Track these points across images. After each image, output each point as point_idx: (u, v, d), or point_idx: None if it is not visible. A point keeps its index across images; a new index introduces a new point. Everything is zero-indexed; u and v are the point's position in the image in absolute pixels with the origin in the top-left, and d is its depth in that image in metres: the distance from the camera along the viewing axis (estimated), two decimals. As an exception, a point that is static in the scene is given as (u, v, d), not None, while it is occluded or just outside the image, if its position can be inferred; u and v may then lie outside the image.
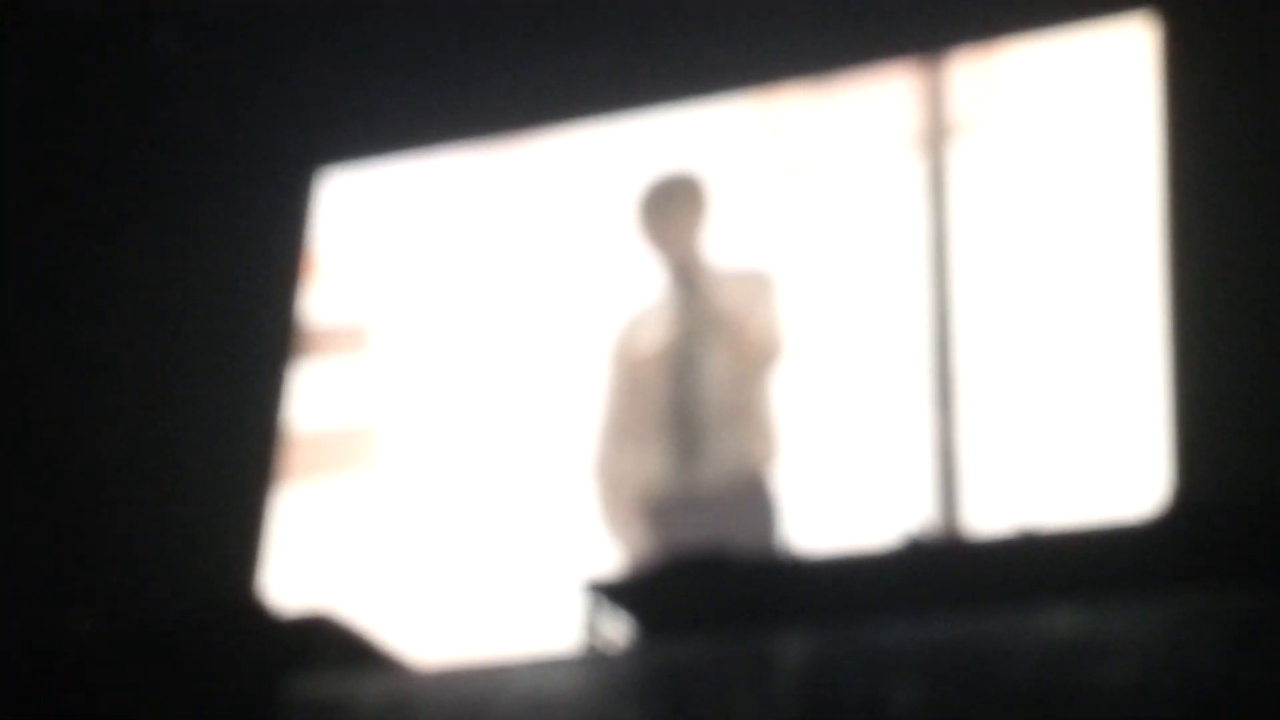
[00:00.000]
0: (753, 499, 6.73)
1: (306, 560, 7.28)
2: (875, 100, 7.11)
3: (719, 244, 7.20)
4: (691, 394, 7.01)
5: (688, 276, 7.20)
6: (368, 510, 7.38)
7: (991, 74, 6.93)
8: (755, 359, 6.97)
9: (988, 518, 5.78)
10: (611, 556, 6.74)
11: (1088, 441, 6.17)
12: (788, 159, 7.22)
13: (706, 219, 7.26)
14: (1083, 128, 6.65)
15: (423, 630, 6.50)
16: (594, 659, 4.67)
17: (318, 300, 7.81)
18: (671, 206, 7.36)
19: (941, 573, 4.57)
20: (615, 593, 5.00)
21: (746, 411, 6.90)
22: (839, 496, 6.56)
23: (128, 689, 5.15)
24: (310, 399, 7.66)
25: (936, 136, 6.95)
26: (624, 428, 7.06)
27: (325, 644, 5.06)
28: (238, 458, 7.58)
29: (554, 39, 7.57)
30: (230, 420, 7.65)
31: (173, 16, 7.55)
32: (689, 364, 7.07)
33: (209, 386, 7.69)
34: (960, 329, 6.63)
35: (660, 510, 6.85)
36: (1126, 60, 6.62)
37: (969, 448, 6.41)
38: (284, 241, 7.87)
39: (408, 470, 7.40)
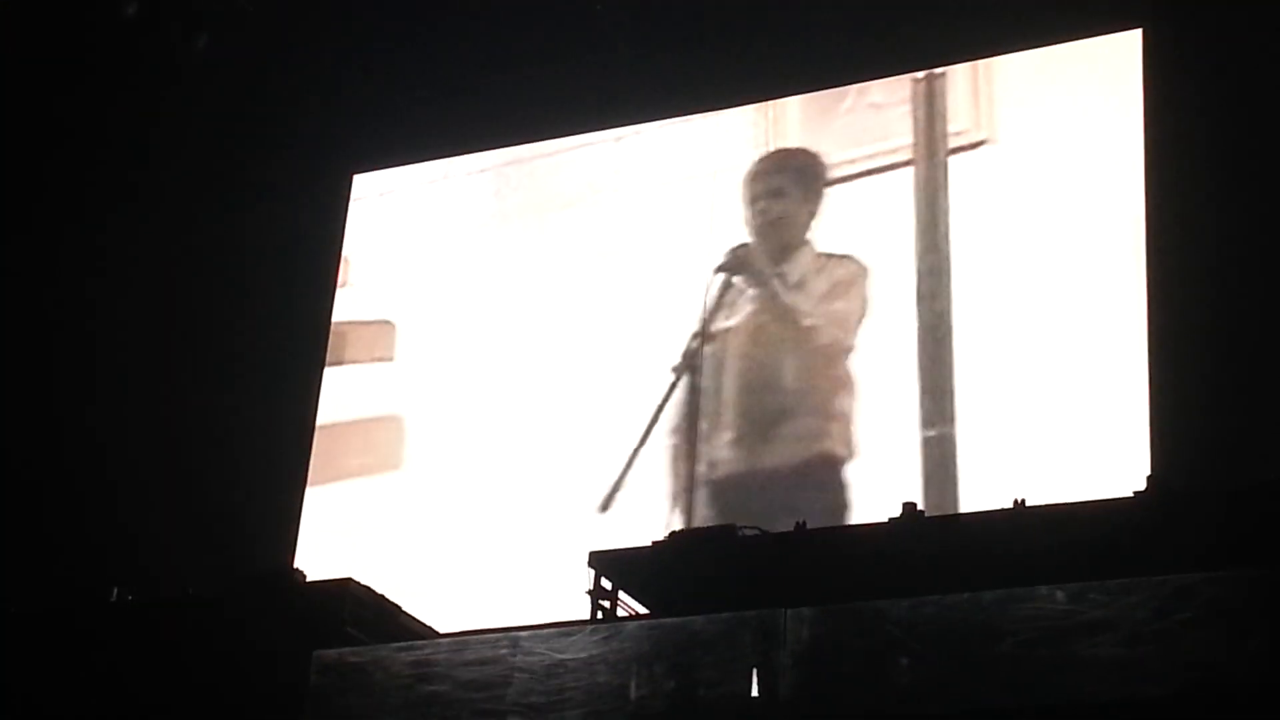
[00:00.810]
0: (820, 479, 6.62)
1: (336, 536, 7.23)
2: (876, 109, 7.03)
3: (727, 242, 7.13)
4: (767, 376, 6.89)
5: (761, 267, 7.06)
6: (393, 490, 7.33)
7: (986, 86, 6.84)
8: (823, 351, 6.85)
9: (982, 498, 5.68)
10: (623, 530, 6.68)
11: (1076, 425, 6.11)
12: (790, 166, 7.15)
13: (810, 206, 7.11)
14: (1072, 135, 6.58)
15: (444, 600, 6.43)
16: (605, 629, 4.58)
17: (350, 298, 7.76)
18: (778, 186, 7.19)
19: (938, 549, 4.48)
20: (626, 566, 4.93)
21: (818, 396, 6.77)
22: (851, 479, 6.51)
23: (168, 655, 5.09)
24: (341, 390, 7.61)
25: (934, 145, 6.85)
26: (697, 404, 6.95)
27: (352, 613, 4.99)
28: (274, 441, 7.56)
29: (576, 51, 7.53)
30: (267, 407, 7.63)
31: (214, 21, 7.50)
32: (770, 348, 6.94)
33: (247, 376, 7.66)
34: (955, 323, 6.56)
35: (729, 487, 6.74)
36: (1114, 72, 6.55)
37: (965, 432, 6.35)
38: (320, 241, 7.85)
39: (431, 453, 7.34)
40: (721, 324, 7.03)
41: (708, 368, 6.99)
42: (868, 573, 4.49)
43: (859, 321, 6.82)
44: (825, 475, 6.63)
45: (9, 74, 7.43)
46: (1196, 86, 6.26)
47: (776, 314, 6.97)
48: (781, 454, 6.76)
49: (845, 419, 6.68)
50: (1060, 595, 4.13)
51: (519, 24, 7.62)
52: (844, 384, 6.73)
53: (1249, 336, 5.86)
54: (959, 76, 6.93)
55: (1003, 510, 4.51)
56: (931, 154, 6.87)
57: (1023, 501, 4.52)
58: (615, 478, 6.90)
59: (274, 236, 7.89)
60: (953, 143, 6.85)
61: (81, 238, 7.67)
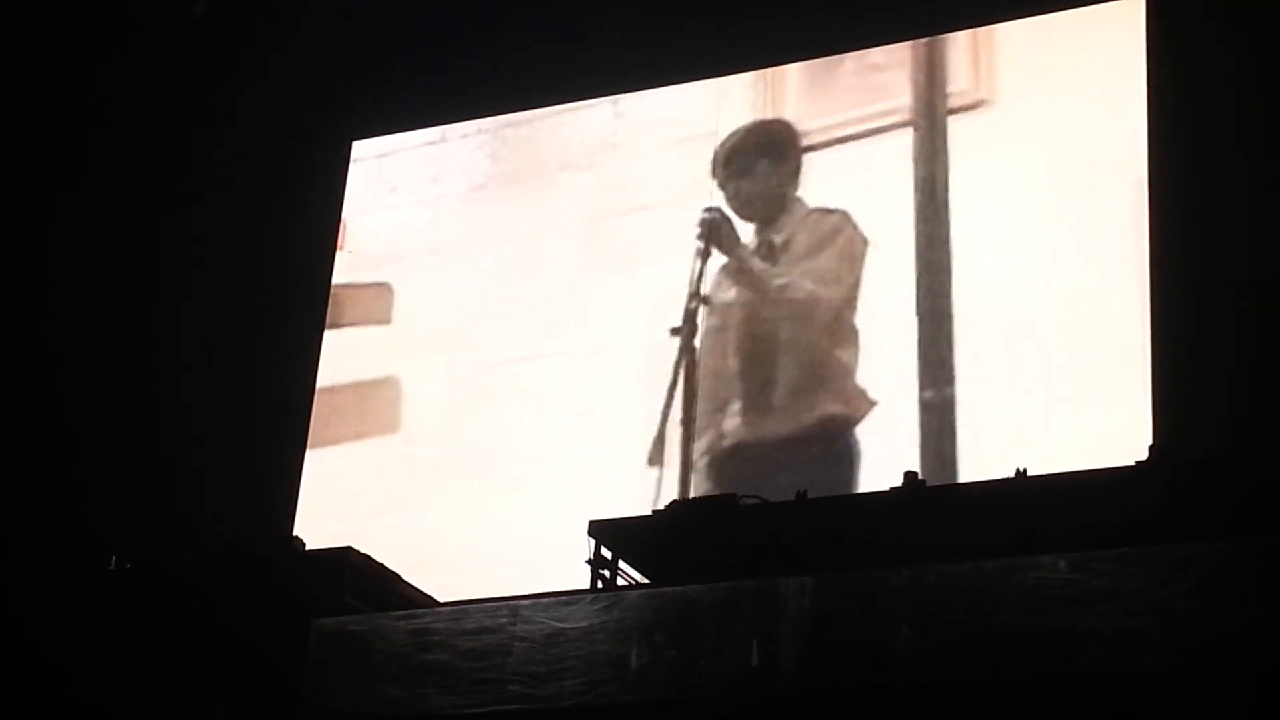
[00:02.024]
0: (828, 451, 6.58)
1: (335, 504, 7.20)
2: (876, 70, 6.97)
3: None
4: (768, 350, 6.85)
5: (717, 231, 7.03)
6: (390, 454, 7.30)
7: (986, 48, 6.79)
8: (807, 309, 6.80)
9: (984, 467, 5.64)
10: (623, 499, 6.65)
11: (1077, 393, 6.08)
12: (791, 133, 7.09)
13: (778, 171, 7.07)
14: (1073, 98, 6.53)
15: (443, 568, 6.41)
16: (605, 598, 4.56)
17: (347, 261, 7.72)
18: (743, 168, 7.16)
19: (938, 518, 4.45)
20: (626, 535, 4.91)
21: (822, 367, 6.73)
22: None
23: (166, 623, 5.07)
24: (339, 356, 7.58)
25: (933, 106, 6.81)
26: (703, 379, 6.91)
27: (351, 582, 4.97)
28: (273, 406, 7.53)
29: (576, 17, 7.48)
30: (266, 372, 7.60)
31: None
32: (748, 317, 6.91)
33: (243, 343, 7.63)
34: (954, 287, 6.52)
35: (736, 458, 6.70)
36: (1115, 34, 6.50)
37: (964, 401, 6.31)
38: (319, 206, 7.81)
39: (429, 417, 7.31)
40: (708, 290, 7.01)
41: (702, 336, 6.96)
42: (869, 542, 4.45)
43: (847, 272, 6.79)
44: (828, 438, 6.60)
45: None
46: (1200, 52, 6.17)
47: (757, 281, 6.93)
48: (780, 422, 6.72)
49: (844, 377, 6.65)
50: (1062, 564, 4.09)
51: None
52: (840, 341, 6.69)
53: (1253, 305, 5.81)
54: (959, 39, 6.85)
55: (1004, 479, 4.47)
56: (931, 115, 6.81)
57: (1024, 471, 4.48)
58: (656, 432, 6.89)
59: (273, 201, 7.84)
60: (952, 103, 6.81)
61: (81, 204, 7.62)
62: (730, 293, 6.96)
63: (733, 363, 6.87)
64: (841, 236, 6.80)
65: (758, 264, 6.91)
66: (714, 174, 7.15)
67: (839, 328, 6.70)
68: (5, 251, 7.41)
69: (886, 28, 6.94)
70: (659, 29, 7.33)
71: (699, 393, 6.85)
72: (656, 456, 6.77)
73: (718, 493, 6.22)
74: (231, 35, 7.71)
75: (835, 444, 6.56)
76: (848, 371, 6.62)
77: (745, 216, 7.06)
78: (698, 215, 7.08)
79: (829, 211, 6.88)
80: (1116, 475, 4.40)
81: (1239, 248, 5.94)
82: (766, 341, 6.84)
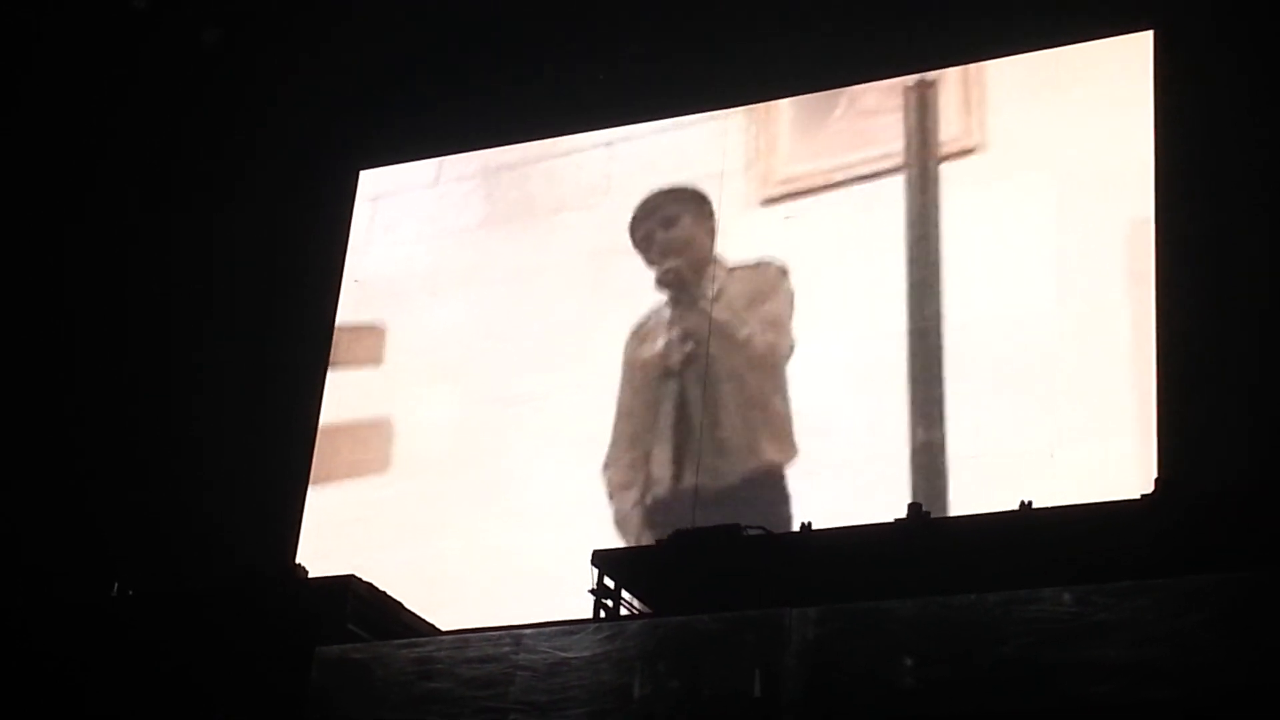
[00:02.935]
0: (758, 493, 6.58)
1: (336, 537, 7.18)
2: (868, 115, 6.98)
3: (719, 250, 7.09)
4: (692, 396, 6.86)
5: (690, 282, 7.06)
6: (381, 494, 7.28)
7: (978, 93, 6.79)
8: (758, 357, 6.82)
9: (985, 500, 5.62)
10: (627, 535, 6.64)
11: (1083, 428, 6.05)
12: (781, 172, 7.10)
13: (703, 225, 7.11)
14: (1066, 141, 6.51)
15: (446, 598, 6.39)
16: (608, 628, 4.54)
17: (342, 301, 7.71)
18: (667, 217, 7.22)
19: (943, 550, 4.43)
20: (629, 565, 4.89)
21: (753, 409, 6.74)
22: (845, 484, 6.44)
23: (169, 650, 5.05)
24: (340, 390, 7.56)
25: (925, 152, 6.80)
26: (632, 430, 6.92)
27: (354, 610, 4.95)
28: (274, 442, 7.52)
29: (576, 53, 7.49)
30: (270, 407, 7.57)
31: (222, 16, 7.47)
32: (688, 368, 6.93)
33: (251, 375, 7.62)
34: (946, 330, 6.50)
35: (665, 507, 6.70)
36: (1109, 78, 6.49)
37: (966, 431, 6.29)
38: (325, 236, 7.81)
39: (422, 457, 7.29)
40: (673, 336, 7.03)
41: (677, 376, 6.98)
42: (873, 573, 4.42)
43: (788, 320, 6.80)
44: (768, 483, 6.61)
45: (12, 68, 7.41)
46: (1209, 86, 6.19)
47: (710, 328, 6.95)
48: (729, 466, 6.74)
49: (785, 421, 6.67)
50: (1067, 597, 4.07)
51: (521, 26, 7.58)
52: (779, 390, 6.70)
53: (1260, 337, 5.79)
54: (950, 84, 6.83)
55: (1009, 512, 4.45)
56: (923, 160, 6.80)
57: (1029, 503, 4.47)
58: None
59: (281, 231, 7.84)
60: (944, 150, 6.78)
61: (87, 236, 7.62)
62: (692, 339, 6.98)
63: (704, 404, 6.88)
64: (785, 284, 6.83)
65: (718, 314, 6.94)
66: (633, 229, 7.19)
67: (784, 378, 6.71)
68: (17, 282, 7.41)
69: (883, 63, 6.95)
70: (659, 63, 7.35)
71: (685, 431, 6.87)
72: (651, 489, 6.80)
73: (720, 523, 6.21)
74: (240, 67, 7.71)
75: (776, 485, 6.59)
76: (788, 423, 6.64)
77: (669, 262, 7.09)
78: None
79: (762, 263, 6.91)
80: (1122, 508, 4.38)
81: (1246, 280, 5.92)
82: (721, 391, 6.86)
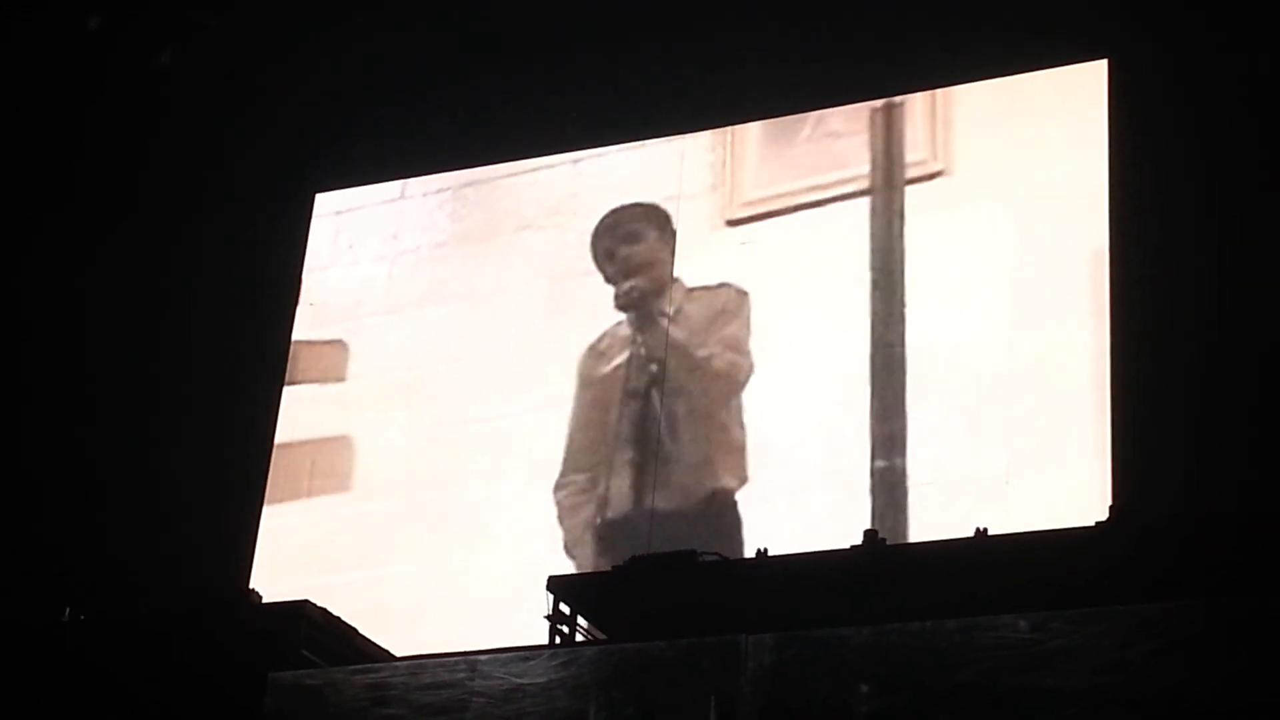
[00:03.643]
0: (714, 516, 6.57)
1: (291, 559, 7.13)
2: (834, 138, 6.99)
3: (681, 272, 7.09)
4: (651, 417, 6.85)
5: (650, 302, 7.06)
6: (342, 512, 7.24)
7: (944, 116, 6.81)
8: (717, 379, 6.82)
9: (941, 526, 5.63)
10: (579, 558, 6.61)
11: (1038, 455, 6.06)
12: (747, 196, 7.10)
13: (666, 245, 7.11)
14: (1029, 167, 6.54)
15: (400, 624, 6.35)
16: (564, 654, 4.52)
17: (303, 316, 7.67)
18: (630, 234, 7.21)
19: (898, 576, 4.43)
20: (585, 591, 4.87)
21: (711, 431, 6.74)
22: (801, 509, 6.44)
23: (121, 675, 5.01)
24: (297, 411, 7.52)
25: (891, 175, 6.82)
26: (585, 450, 6.91)
27: (308, 636, 4.91)
28: (228, 462, 7.47)
29: (538, 76, 7.48)
30: (222, 428, 7.53)
31: (178, 39, 7.44)
32: (648, 388, 6.92)
33: (203, 396, 7.57)
34: (911, 349, 6.51)
35: (619, 529, 6.68)
36: (1072, 104, 6.53)
37: (923, 458, 6.29)
38: (281, 260, 7.77)
39: (385, 481, 7.25)
40: (645, 355, 7.02)
41: (644, 398, 6.97)
42: (829, 600, 4.42)
43: (747, 341, 6.81)
44: (725, 506, 6.61)
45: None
46: (1161, 116, 6.19)
47: (670, 350, 6.95)
48: (683, 488, 6.73)
49: (742, 445, 6.67)
50: (1023, 624, 4.06)
51: (483, 48, 7.57)
52: (736, 413, 6.71)
53: (1212, 368, 5.82)
54: (917, 107, 6.84)
55: (965, 539, 4.45)
56: (889, 184, 6.82)
57: (985, 530, 4.48)
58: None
59: (236, 253, 7.79)
60: (910, 173, 6.81)
61: (43, 256, 7.57)
62: (650, 360, 6.97)
63: (653, 427, 6.87)
64: (745, 306, 6.83)
65: (677, 334, 6.94)
66: (594, 243, 7.18)
67: (740, 402, 6.71)
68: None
69: (846, 89, 6.95)
70: (620, 87, 7.35)
71: (642, 452, 6.86)
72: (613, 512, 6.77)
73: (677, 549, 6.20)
74: (196, 90, 7.68)
75: (726, 510, 6.59)
76: (742, 447, 6.64)
77: (630, 281, 7.09)
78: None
79: (723, 285, 6.91)
80: (1077, 535, 4.39)
81: (1199, 309, 5.94)
82: (678, 411, 6.85)
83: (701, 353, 6.87)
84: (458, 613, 6.65)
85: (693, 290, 6.98)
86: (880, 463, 6.34)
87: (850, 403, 6.49)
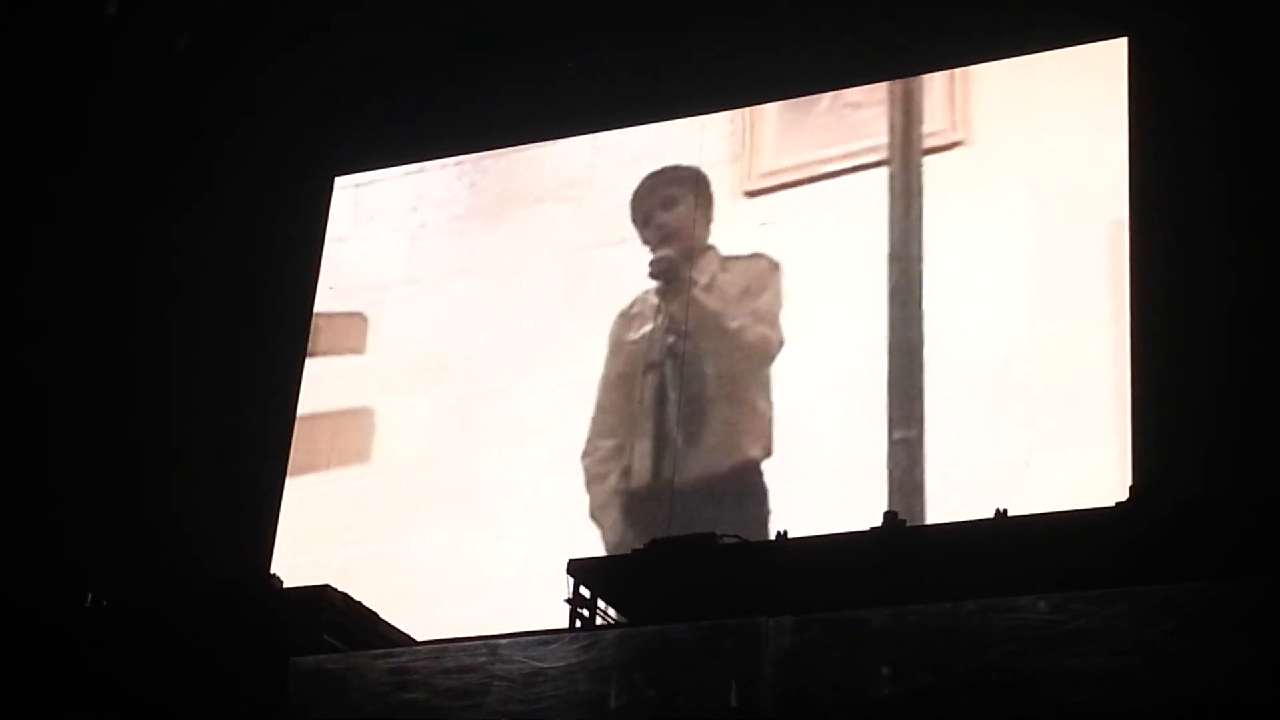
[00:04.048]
0: (738, 489, 6.57)
1: (312, 542, 7.15)
2: (853, 109, 6.97)
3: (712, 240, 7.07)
4: (679, 386, 6.84)
5: (680, 269, 7.03)
6: (369, 487, 7.25)
7: (963, 88, 6.79)
8: (747, 351, 6.80)
9: (961, 508, 5.62)
10: (599, 539, 6.61)
11: (1058, 436, 6.05)
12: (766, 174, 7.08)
13: (700, 212, 7.08)
14: (1048, 139, 6.51)
15: (421, 608, 6.36)
16: (584, 637, 4.52)
17: (323, 289, 7.68)
18: (667, 199, 7.17)
19: (918, 558, 4.43)
20: (605, 574, 4.87)
21: (737, 404, 6.72)
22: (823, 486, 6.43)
23: (144, 662, 5.02)
24: (318, 385, 7.53)
25: (909, 146, 6.80)
26: (613, 416, 6.90)
27: (329, 621, 4.92)
28: (248, 444, 7.49)
29: (553, 57, 7.47)
30: (242, 409, 7.54)
31: (194, 22, 7.45)
32: (678, 357, 6.90)
33: (223, 377, 7.58)
34: (927, 325, 6.50)
35: (644, 499, 6.68)
36: (1092, 77, 6.50)
37: (943, 439, 6.28)
38: (300, 243, 7.78)
39: (406, 456, 7.25)
40: (661, 326, 7.00)
41: (668, 371, 6.95)
42: (849, 582, 4.41)
43: (780, 313, 6.78)
44: (747, 481, 6.60)
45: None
46: (1181, 92, 6.18)
47: (702, 319, 6.94)
48: (708, 460, 6.72)
49: (767, 419, 6.65)
50: (1043, 605, 4.05)
51: (501, 30, 7.56)
52: (764, 386, 6.68)
53: (1233, 345, 5.80)
54: (936, 79, 6.82)
55: (985, 520, 4.44)
56: (907, 154, 6.80)
57: (1004, 511, 4.46)
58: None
59: (256, 236, 7.79)
60: (928, 143, 6.79)
61: (64, 237, 7.58)
62: (678, 330, 6.95)
63: (683, 396, 6.85)
64: (777, 279, 6.80)
65: (710, 304, 6.92)
66: (634, 205, 7.15)
67: (770, 374, 6.69)
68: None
69: (866, 69, 6.94)
70: (639, 68, 7.34)
71: (665, 422, 6.85)
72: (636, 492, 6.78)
73: (697, 532, 6.20)
74: (216, 72, 7.68)
75: (756, 480, 6.58)
76: (769, 420, 6.62)
77: (663, 250, 7.07)
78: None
79: (755, 255, 6.88)
80: (1097, 516, 4.37)
81: (1220, 288, 5.92)
82: (706, 383, 6.83)
83: (733, 324, 6.85)
84: (478, 593, 6.66)
85: (727, 259, 6.94)
86: (898, 443, 6.33)
87: (868, 383, 6.49)
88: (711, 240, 7.01)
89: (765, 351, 6.75)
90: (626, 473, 6.77)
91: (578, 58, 7.42)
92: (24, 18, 7.36)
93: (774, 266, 6.83)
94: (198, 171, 7.79)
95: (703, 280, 6.94)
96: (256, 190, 7.82)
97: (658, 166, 7.23)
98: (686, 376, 6.83)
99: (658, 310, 6.98)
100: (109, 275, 7.63)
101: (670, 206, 7.13)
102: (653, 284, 7.04)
